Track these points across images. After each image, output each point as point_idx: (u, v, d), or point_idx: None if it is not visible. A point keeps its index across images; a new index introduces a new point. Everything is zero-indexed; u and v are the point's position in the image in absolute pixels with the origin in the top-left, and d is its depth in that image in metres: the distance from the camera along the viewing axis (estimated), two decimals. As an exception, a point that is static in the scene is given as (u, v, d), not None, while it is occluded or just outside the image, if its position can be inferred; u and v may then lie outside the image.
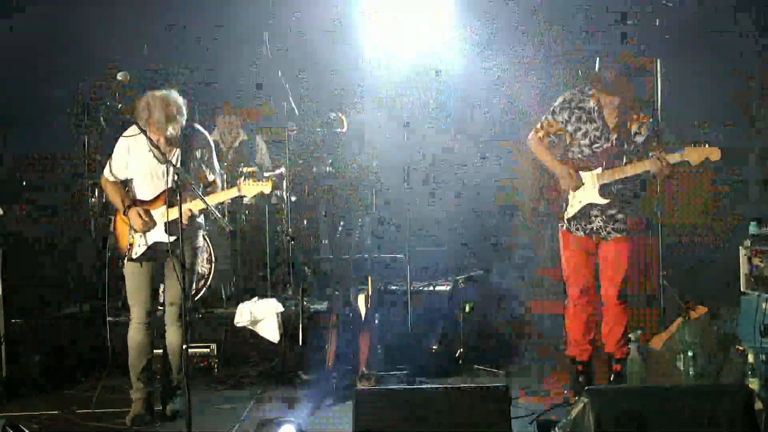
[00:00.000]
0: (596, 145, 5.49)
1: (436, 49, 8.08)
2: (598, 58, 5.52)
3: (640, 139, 5.43)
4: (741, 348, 5.65)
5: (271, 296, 6.84)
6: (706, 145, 5.26)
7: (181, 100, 5.29)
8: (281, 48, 7.88)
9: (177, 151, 5.33)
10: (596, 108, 5.48)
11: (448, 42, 8.06)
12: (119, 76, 5.07)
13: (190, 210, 5.25)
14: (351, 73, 8.31)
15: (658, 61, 6.84)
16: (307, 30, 8.29)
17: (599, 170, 5.44)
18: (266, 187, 5.40)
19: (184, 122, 5.30)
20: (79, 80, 7.17)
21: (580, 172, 5.50)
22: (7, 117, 7.17)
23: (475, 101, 8.19)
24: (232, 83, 8.30)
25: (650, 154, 5.36)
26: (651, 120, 5.46)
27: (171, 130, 5.21)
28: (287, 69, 8.09)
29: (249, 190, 5.40)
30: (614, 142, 5.45)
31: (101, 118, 5.04)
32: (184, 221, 5.05)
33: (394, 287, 6.94)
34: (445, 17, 7.98)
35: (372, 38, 8.16)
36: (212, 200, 5.35)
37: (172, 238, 5.26)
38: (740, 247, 5.83)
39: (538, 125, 5.68)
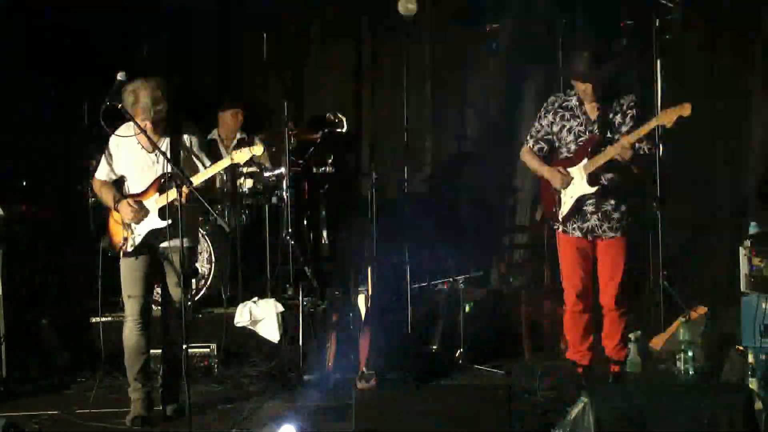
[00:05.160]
0: (581, 138, 5.53)
1: (434, 48, 8.10)
2: (573, 51, 5.56)
3: (624, 129, 5.45)
4: (741, 348, 5.65)
5: (271, 296, 6.83)
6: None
7: (165, 85, 5.29)
8: (281, 47, 7.89)
9: (165, 140, 5.33)
10: (578, 104, 5.53)
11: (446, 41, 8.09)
12: (119, 76, 5.06)
13: (186, 192, 5.12)
14: (352, 73, 8.34)
15: (658, 61, 6.85)
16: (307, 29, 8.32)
17: (585, 161, 5.47)
18: (257, 150, 5.43)
19: (166, 107, 5.27)
20: (78, 80, 7.19)
21: (569, 169, 5.53)
22: (8, 117, 7.17)
23: (474, 101, 8.21)
24: (232, 83, 8.32)
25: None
26: (636, 111, 5.48)
27: (158, 112, 5.21)
28: (287, 69, 8.12)
29: (241, 156, 5.39)
30: (597, 133, 5.48)
31: (101, 118, 5.03)
32: (185, 195, 5.04)
33: (394, 287, 6.93)
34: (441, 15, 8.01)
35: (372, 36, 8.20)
36: (206, 173, 5.32)
37: (167, 222, 5.26)
38: (740, 247, 5.83)
39: (528, 136, 5.73)
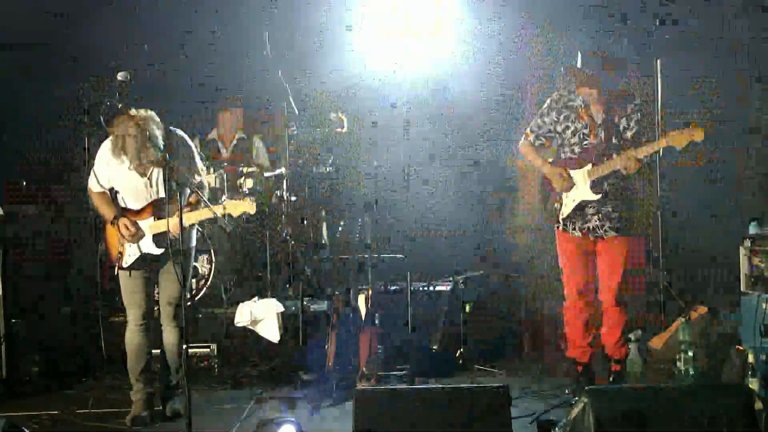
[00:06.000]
0: (585, 142, 5.52)
1: (435, 50, 8.09)
2: (579, 54, 5.55)
3: (629, 134, 5.45)
4: (741, 348, 5.65)
5: (271, 296, 6.84)
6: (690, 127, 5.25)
7: (155, 128, 5.16)
8: (282, 47, 7.89)
9: (158, 170, 5.28)
10: (583, 105, 5.51)
11: (447, 45, 8.08)
12: (119, 76, 5.05)
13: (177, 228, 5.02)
14: (352, 73, 8.33)
15: (658, 61, 6.85)
16: (307, 29, 8.30)
17: (589, 167, 5.46)
18: (251, 208, 5.34)
19: (159, 146, 5.13)
20: (79, 80, 7.19)
21: (571, 171, 5.52)
22: (8, 117, 7.17)
23: (475, 101, 8.20)
24: (232, 83, 8.31)
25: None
26: (640, 115, 5.48)
27: (144, 161, 5.19)
28: (287, 69, 8.11)
29: (234, 209, 5.31)
30: (602, 137, 5.47)
31: (101, 118, 5.02)
32: (175, 232, 4.99)
33: (394, 287, 6.94)
34: (444, 20, 8.00)
35: (373, 38, 8.19)
36: (196, 216, 5.30)
37: (161, 251, 5.29)
38: (740, 247, 5.83)
39: (528, 130, 5.72)
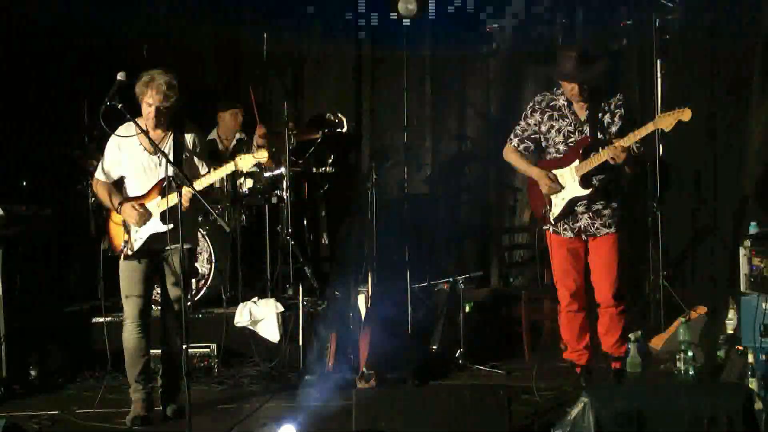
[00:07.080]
0: (570, 139, 5.51)
1: (433, 47, 8.11)
2: (560, 52, 5.56)
3: (614, 129, 5.45)
4: (741, 348, 5.65)
5: (271, 296, 6.84)
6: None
7: (179, 80, 5.30)
8: (281, 47, 7.90)
9: (168, 138, 5.31)
10: (566, 104, 5.51)
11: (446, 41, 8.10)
12: (119, 76, 5.05)
13: (189, 193, 5.06)
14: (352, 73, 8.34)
15: (658, 61, 6.86)
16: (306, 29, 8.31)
17: (576, 163, 5.45)
18: (261, 155, 5.35)
19: (176, 100, 5.26)
20: (78, 80, 7.19)
21: (559, 171, 5.51)
22: (8, 117, 7.17)
23: (474, 102, 8.22)
24: (232, 83, 8.32)
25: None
26: (623, 110, 5.47)
27: (169, 97, 5.20)
28: (287, 68, 8.13)
29: (245, 163, 5.33)
30: (588, 133, 5.47)
31: (101, 118, 5.02)
32: (185, 203, 4.96)
33: (394, 287, 6.94)
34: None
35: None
36: (209, 179, 5.30)
37: (170, 227, 5.20)
38: (740, 247, 5.82)
39: (512, 135, 5.70)
